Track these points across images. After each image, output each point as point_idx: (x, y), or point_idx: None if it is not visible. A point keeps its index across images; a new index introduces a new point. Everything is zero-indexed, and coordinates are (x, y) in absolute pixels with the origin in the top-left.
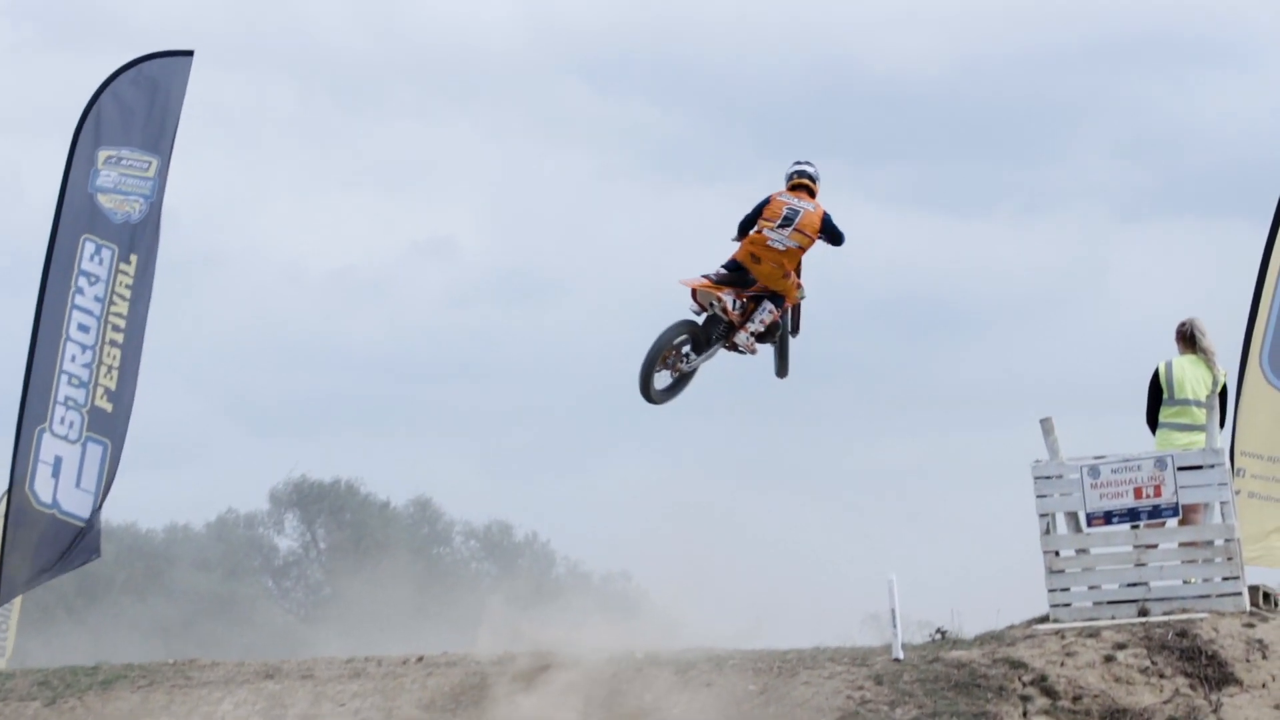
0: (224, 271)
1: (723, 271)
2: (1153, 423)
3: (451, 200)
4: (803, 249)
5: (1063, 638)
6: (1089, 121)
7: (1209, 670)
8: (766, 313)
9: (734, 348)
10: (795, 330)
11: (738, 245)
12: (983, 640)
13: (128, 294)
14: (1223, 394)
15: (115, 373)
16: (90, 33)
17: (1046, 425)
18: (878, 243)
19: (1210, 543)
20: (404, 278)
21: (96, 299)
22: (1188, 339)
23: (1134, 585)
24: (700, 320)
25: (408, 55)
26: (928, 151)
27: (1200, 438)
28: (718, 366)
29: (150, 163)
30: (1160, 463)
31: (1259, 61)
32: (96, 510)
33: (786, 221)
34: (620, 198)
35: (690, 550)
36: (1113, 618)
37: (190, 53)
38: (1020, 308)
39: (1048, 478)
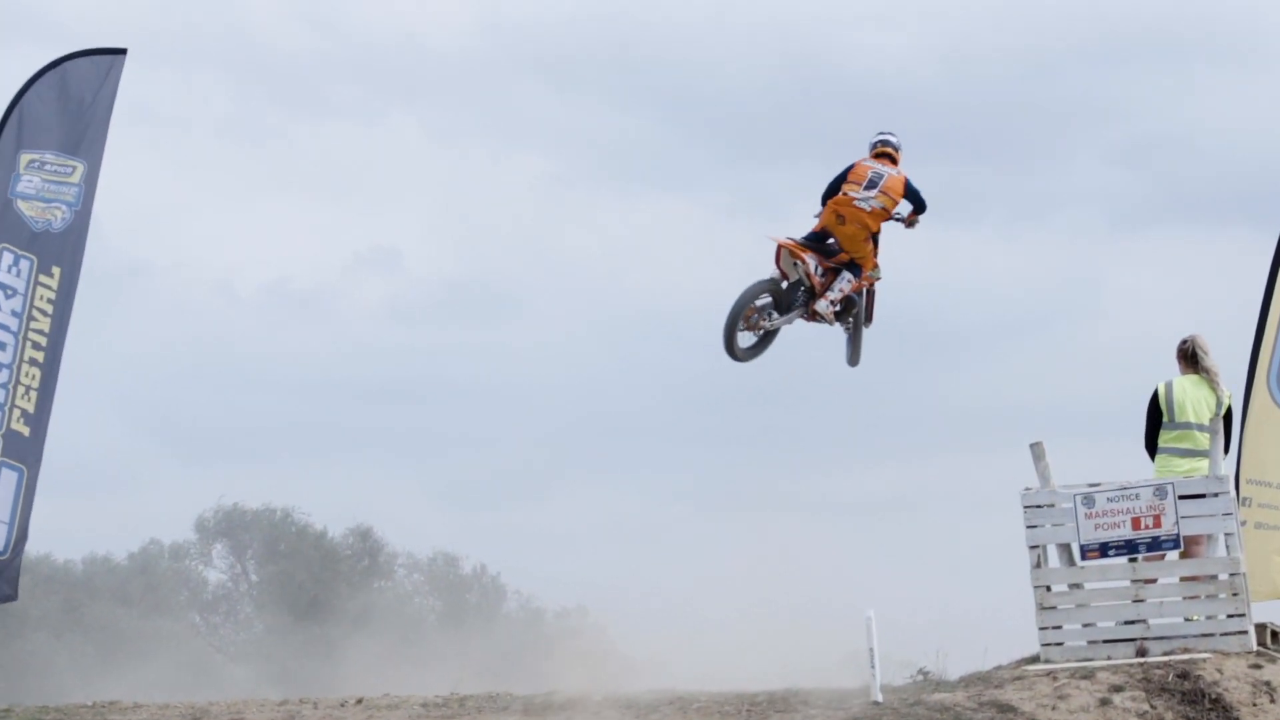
0: (150, 284)
1: (804, 241)
2: (1151, 448)
3: (396, 207)
4: (887, 211)
5: (1055, 679)
6: (1081, 124)
7: (1212, 715)
8: (845, 281)
9: (814, 316)
10: (869, 319)
11: (816, 220)
12: (968, 682)
13: (49, 309)
14: (1227, 417)
15: (34, 394)
16: (9, 28)
17: (1037, 450)
18: None
19: (1214, 577)
20: (344, 291)
21: (14, 314)
22: (1189, 358)
23: (1131, 623)
24: (783, 285)
25: (350, 51)
26: (907, 157)
27: (1203, 464)
28: (695, 388)
29: (75, 168)
30: (1160, 491)
31: (1263, 61)
32: (18, 546)
33: (871, 184)
34: (579, 204)
35: (653, 583)
36: (1108, 658)
37: (123, 51)
38: (1008, 323)
39: (1038, 507)
